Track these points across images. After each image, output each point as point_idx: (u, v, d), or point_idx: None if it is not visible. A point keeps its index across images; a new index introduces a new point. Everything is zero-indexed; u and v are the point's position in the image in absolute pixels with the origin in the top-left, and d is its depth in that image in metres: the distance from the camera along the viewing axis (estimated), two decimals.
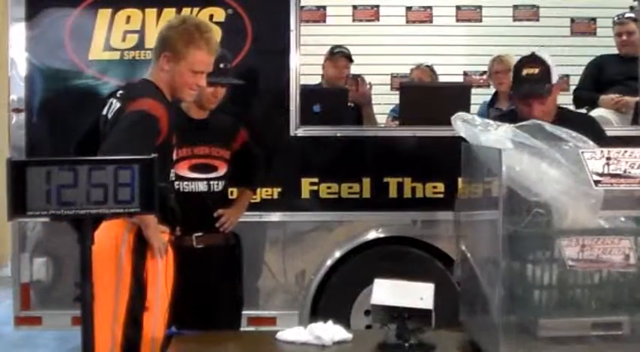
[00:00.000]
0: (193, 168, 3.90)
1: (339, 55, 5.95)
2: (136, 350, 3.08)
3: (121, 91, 3.36)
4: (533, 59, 3.65)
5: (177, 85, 3.34)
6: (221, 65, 3.85)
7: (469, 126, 2.83)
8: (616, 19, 5.60)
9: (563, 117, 3.52)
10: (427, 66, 6.33)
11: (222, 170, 3.99)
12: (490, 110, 5.69)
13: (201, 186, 3.93)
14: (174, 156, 3.71)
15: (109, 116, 3.28)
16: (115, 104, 3.28)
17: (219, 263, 3.97)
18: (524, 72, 3.61)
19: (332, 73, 5.91)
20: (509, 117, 3.49)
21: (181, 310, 3.29)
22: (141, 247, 3.13)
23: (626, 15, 5.52)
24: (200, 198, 3.92)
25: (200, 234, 3.89)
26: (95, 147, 3.23)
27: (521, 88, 3.63)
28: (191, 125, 3.93)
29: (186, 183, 3.88)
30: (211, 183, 3.95)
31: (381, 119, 6.07)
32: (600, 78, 5.51)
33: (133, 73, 4.51)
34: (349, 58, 5.98)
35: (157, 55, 3.34)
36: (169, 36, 3.33)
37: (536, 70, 3.59)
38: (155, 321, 3.14)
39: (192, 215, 3.72)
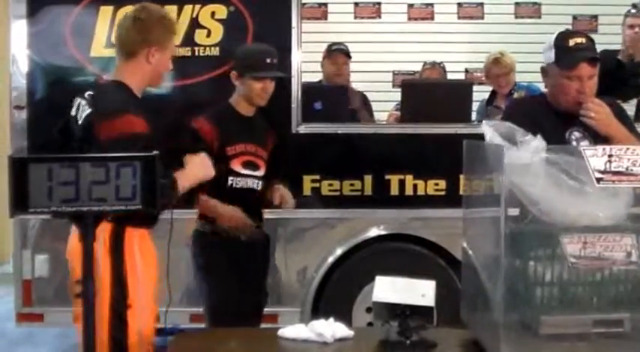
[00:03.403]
0: (245, 165, 3.91)
1: (337, 52, 5.90)
2: (124, 350, 3.07)
3: (89, 92, 3.25)
4: (576, 32, 3.41)
5: (158, 74, 3.33)
6: (267, 60, 3.88)
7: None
8: (631, 10, 5.53)
9: None
10: (438, 64, 6.30)
11: (263, 169, 3.98)
12: (488, 108, 5.67)
13: (250, 183, 3.92)
14: (232, 152, 3.81)
15: (79, 119, 3.19)
16: (84, 107, 3.19)
17: (260, 257, 4.03)
18: (572, 41, 3.22)
19: (331, 71, 5.87)
20: (531, 105, 3.26)
21: (228, 301, 3.58)
22: (118, 245, 3.10)
23: None
24: (249, 194, 3.92)
25: None
26: (68, 147, 3.20)
27: (573, 57, 3.20)
28: (242, 121, 3.93)
29: (239, 178, 3.89)
30: (257, 181, 3.95)
31: (383, 116, 6.06)
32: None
33: None
34: (347, 55, 5.95)
35: (135, 50, 3.24)
36: (152, 28, 3.26)
37: (584, 40, 3.24)
38: (140, 317, 3.12)
39: (242, 210, 3.83)
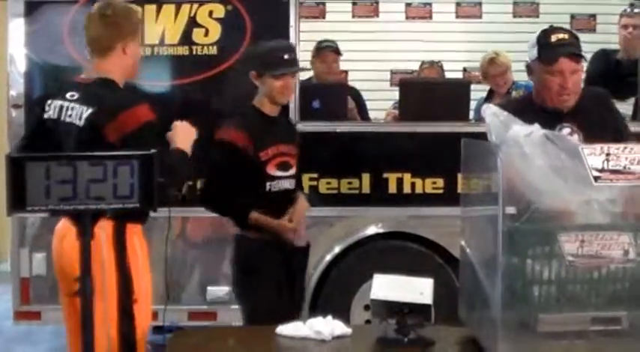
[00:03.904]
0: (279, 167, 3.81)
1: (326, 50, 5.83)
2: (132, 345, 3.08)
3: (72, 93, 3.24)
4: (559, 28, 3.35)
5: (135, 65, 3.36)
6: (285, 56, 3.78)
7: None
8: (626, 10, 5.55)
9: (581, 97, 3.28)
10: (436, 63, 6.29)
11: (295, 168, 3.91)
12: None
13: (286, 184, 3.84)
14: (265, 157, 3.73)
15: (76, 121, 3.16)
16: (78, 108, 3.16)
17: (300, 261, 3.95)
18: (554, 37, 3.21)
19: (321, 69, 5.80)
20: (514, 106, 3.15)
21: (267, 304, 3.56)
22: (121, 242, 3.13)
23: (635, 10, 5.49)
24: (286, 195, 3.84)
25: None
26: (43, 150, 3.14)
27: (555, 52, 3.18)
28: (269, 123, 3.84)
29: (275, 182, 3.79)
30: (291, 180, 3.87)
31: (380, 115, 6.06)
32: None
33: None
34: (337, 52, 5.89)
35: (111, 45, 3.27)
36: (122, 21, 3.30)
37: (567, 36, 3.22)
38: (144, 310, 3.17)
39: (283, 212, 3.78)
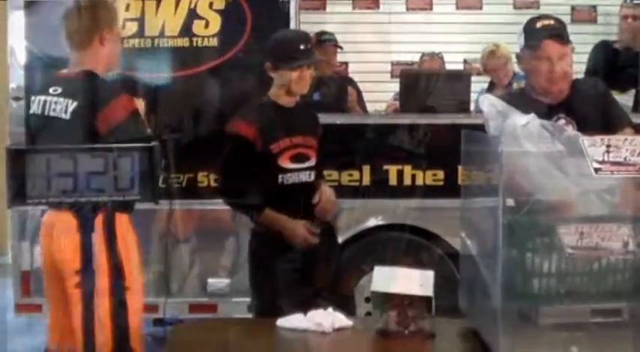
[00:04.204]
0: (293, 159, 3.73)
1: (327, 43, 5.82)
2: (126, 333, 3.09)
3: (55, 87, 3.25)
4: (546, 15, 3.37)
5: (114, 57, 3.38)
6: (302, 46, 3.70)
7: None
8: (627, 0, 5.56)
9: (576, 87, 3.30)
10: (436, 54, 6.28)
11: (314, 159, 3.82)
12: None
13: (302, 176, 3.75)
14: (276, 149, 3.66)
15: (62, 115, 3.18)
16: (63, 102, 3.18)
17: (321, 253, 3.86)
18: (539, 23, 3.22)
19: (321, 61, 5.77)
20: (512, 100, 3.15)
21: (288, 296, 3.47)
22: (111, 230, 3.11)
23: (635, 1, 5.50)
24: (302, 187, 3.76)
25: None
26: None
27: (540, 35, 3.18)
28: (284, 114, 3.76)
29: (289, 174, 3.71)
30: (308, 172, 3.78)
31: (381, 107, 6.06)
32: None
33: (133, 60, 4.51)
34: (337, 45, 5.88)
35: (89, 38, 3.30)
36: (98, 14, 3.32)
37: (552, 22, 3.23)
38: (137, 298, 3.19)
39: (298, 206, 3.70)
